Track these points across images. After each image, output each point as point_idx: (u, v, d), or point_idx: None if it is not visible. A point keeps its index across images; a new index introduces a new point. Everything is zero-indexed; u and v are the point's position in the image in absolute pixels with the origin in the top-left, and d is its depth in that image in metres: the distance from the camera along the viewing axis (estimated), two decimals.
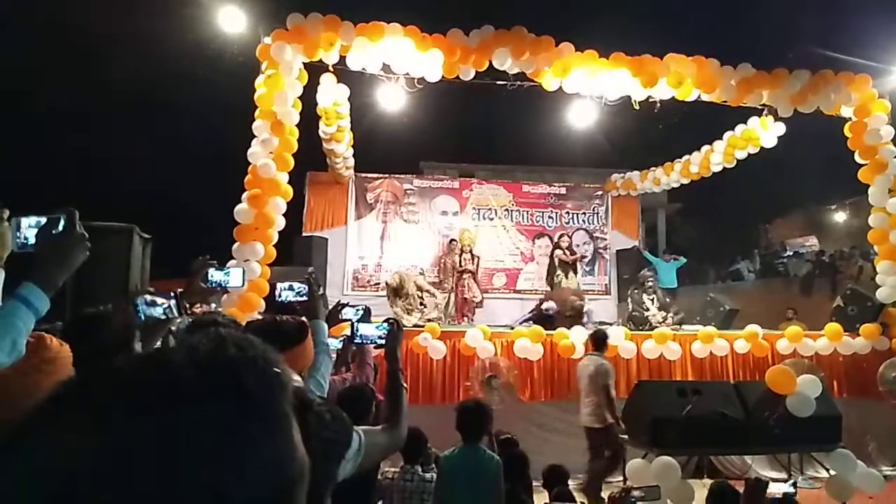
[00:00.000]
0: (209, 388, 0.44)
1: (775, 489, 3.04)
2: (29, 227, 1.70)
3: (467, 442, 3.25)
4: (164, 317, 2.24)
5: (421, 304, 8.68)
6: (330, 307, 3.13)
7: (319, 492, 0.94)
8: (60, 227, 1.64)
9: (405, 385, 2.03)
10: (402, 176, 12.35)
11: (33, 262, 1.60)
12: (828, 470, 4.94)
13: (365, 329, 2.61)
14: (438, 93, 8.43)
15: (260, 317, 4.84)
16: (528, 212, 12.50)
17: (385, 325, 2.41)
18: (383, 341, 2.37)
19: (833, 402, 5.06)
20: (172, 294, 2.24)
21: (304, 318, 2.37)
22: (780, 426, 4.68)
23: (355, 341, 2.72)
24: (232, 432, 0.43)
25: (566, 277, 9.80)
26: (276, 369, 0.49)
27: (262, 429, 0.45)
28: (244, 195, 6.49)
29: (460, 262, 10.19)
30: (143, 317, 2.15)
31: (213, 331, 0.53)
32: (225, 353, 0.47)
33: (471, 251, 10.44)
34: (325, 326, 2.59)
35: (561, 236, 10.56)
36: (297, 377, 1.28)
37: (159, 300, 2.19)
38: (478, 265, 10.48)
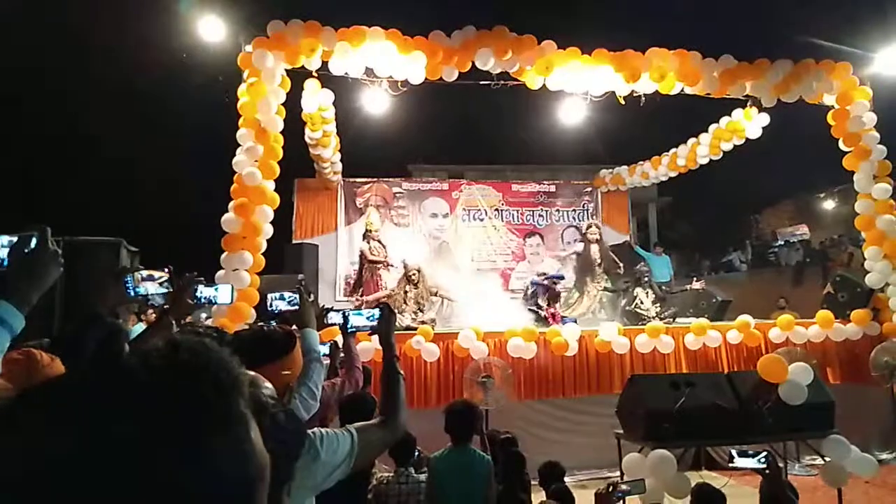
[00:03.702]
0: (164, 392, 0.46)
1: (742, 463, 3.04)
2: (1, 247, 1.69)
3: (457, 443, 3.25)
4: (161, 291, 2.21)
5: (419, 308, 8.61)
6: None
7: (278, 490, 0.95)
8: (33, 245, 1.63)
9: (402, 373, 2.00)
10: (390, 179, 12.33)
11: (6, 281, 1.59)
12: (823, 457, 4.96)
13: (356, 319, 2.61)
14: (425, 95, 8.44)
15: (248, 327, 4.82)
16: (518, 211, 12.50)
17: (376, 311, 2.40)
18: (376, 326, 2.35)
19: (825, 389, 5.08)
20: (166, 268, 2.22)
21: (292, 328, 2.37)
22: (773, 415, 4.70)
23: (348, 330, 2.72)
24: (188, 433, 0.45)
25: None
26: (230, 372, 0.50)
27: (218, 429, 0.47)
28: (231, 204, 6.47)
29: (370, 250, 9.72)
30: (132, 294, 2.12)
31: (167, 337, 0.54)
32: (178, 357, 0.49)
33: (379, 240, 9.95)
34: (317, 335, 2.58)
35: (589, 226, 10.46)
36: (267, 384, 1.27)
37: (156, 274, 2.16)
38: (385, 256, 9.95)
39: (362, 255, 9.87)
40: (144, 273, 2.14)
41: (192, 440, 0.45)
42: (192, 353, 0.49)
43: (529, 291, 8.83)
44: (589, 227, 10.43)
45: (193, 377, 0.47)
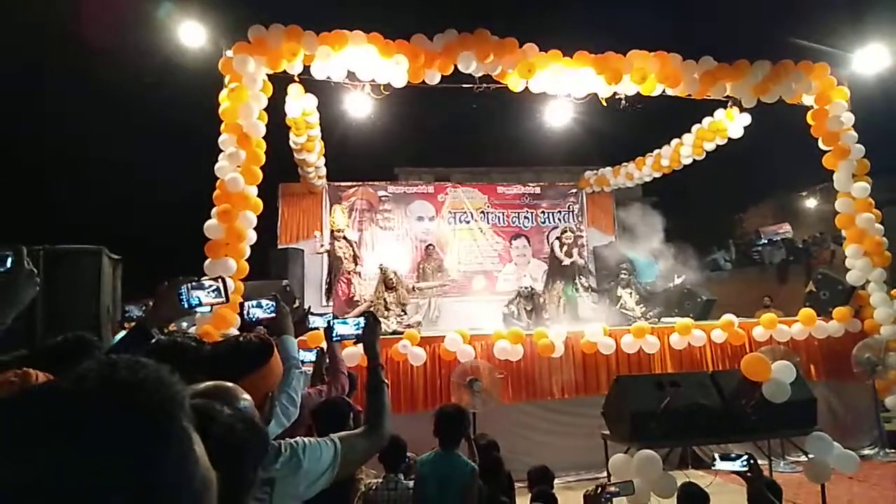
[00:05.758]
0: (99, 414, 0.45)
1: (724, 466, 3.05)
2: None
3: (444, 447, 3.24)
4: (214, 300, 2.18)
5: (403, 310, 8.62)
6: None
7: (238, 498, 0.93)
8: (8, 265, 1.63)
9: (387, 381, 2.00)
10: (376, 183, 12.31)
11: None
12: (807, 454, 5.00)
13: (341, 328, 2.60)
14: (409, 98, 8.43)
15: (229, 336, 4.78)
16: (503, 213, 12.53)
17: (360, 319, 2.40)
18: (361, 335, 2.36)
19: (807, 386, 5.13)
20: (220, 277, 2.19)
21: (269, 336, 2.35)
22: (757, 413, 4.74)
23: (333, 339, 2.71)
24: (125, 454, 0.44)
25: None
26: (168, 389, 0.50)
27: (156, 448, 0.46)
28: (213, 210, 6.42)
29: (335, 249, 9.88)
30: (187, 305, 2.10)
31: (103, 357, 0.53)
32: (113, 378, 0.48)
33: (345, 237, 10.13)
34: (294, 342, 2.57)
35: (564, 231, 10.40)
36: (245, 396, 1.26)
37: (206, 283, 2.13)
38: (354, 255, 10.15)
39: (330, 256, 9.90)
40: (194, 282, 2.10)
41: (130, 461, 0.44)
42: (130, 371, 0.49)
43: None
44: (564, 231, 10.33)
45: (131, 397, 0.47)
